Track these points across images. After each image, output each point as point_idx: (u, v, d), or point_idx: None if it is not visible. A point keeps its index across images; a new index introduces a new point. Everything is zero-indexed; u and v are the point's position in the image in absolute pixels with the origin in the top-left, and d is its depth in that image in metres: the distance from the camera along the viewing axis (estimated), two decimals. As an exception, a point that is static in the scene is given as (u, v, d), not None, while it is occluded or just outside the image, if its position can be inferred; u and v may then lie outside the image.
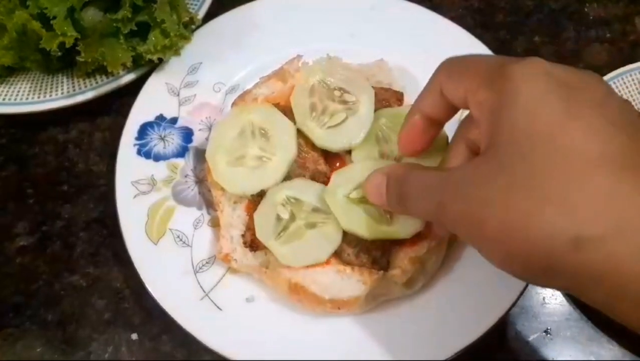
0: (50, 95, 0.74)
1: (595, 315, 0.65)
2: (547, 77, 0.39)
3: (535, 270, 0.38)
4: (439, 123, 0.53)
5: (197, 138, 0.71)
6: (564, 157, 0.37)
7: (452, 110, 0.50)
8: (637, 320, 0.37)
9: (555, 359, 0.63)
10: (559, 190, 0.36)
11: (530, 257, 0.37)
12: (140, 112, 0.71)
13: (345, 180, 0.59)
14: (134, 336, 0.64)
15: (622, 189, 0.36)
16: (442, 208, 0.42)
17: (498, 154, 0.39)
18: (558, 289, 0.39)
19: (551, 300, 0.66)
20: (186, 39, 0.74)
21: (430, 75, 0.75)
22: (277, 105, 0.66)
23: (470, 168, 0.42)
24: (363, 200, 0.59)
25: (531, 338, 0.64)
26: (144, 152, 0.69)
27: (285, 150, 0.63)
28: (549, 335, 0.64)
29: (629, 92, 0.75)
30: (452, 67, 0.48)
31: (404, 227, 0.58)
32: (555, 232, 0.36)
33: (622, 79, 0.75)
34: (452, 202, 0.41)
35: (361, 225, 0.58)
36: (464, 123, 0.51)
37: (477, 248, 0.42)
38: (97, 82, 0.74)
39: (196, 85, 0.74)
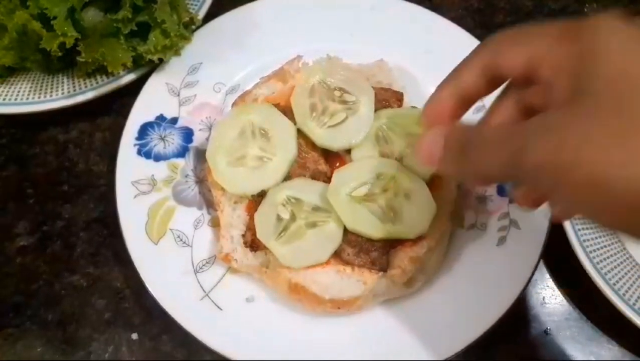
0: (51, 96, 0.74)
1: (595, 315, 0.65)
2: (628, 27, 0.39)
3: (632, 216, 0.36)
4: (471, 102, 0.50)
5: (198, 139, 0.71)
6: None
7: (494, 85, 0.48)
8: None
9: (555, 359, 0.63)
10: None
11: (631, 203, 0.35)
12: (141, 112, 0.71)
13: (347, 179, 0.59)
14: (134, 336, 0.64)
15: None
16: (520, 155, 0.39)
17: (592, 101, 0.37)
18: None
19: (551, 300, 0.66)
20: (186, 39, 0.74)
21: (430, 75, 0.75)
22: (277, 106, 0.66)
23: (556, 114, 0.39)
24: (366, 199, 0.59)
25: (531, 338, 0.64)
26: (145, 152, 0.69)
27: (285, 150, 0.63)
28: (548, 335, 0.64)
29: (629, 92, 0.75)
30: (505, 38, 0.46)
31: (409, 226, 0.58)
32: None
33: (622, 79, 0.75)
34: (534, 147, 0.38)
35: (366, 224, 0.58)
36: (512, 89, 0.48)
37: (562, 196, 0.39)
38: (97, 82, 0.74)
39: (196, 85, 0.74)
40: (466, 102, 0.50)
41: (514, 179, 0.43)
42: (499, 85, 0.48)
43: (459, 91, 0.49)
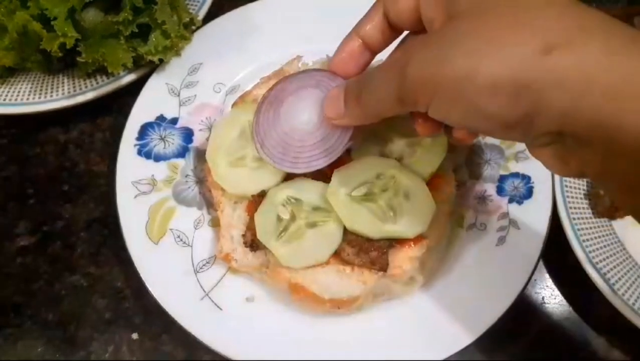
0: (51, 96, 0.74)
1: (595, 315, 0.65)
2: None
3: (502, 98, 0.38)
4: (374, 52, 0.54)
5: (198, 139, 0.71)
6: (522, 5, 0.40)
7: (392, 35, 0.52)
8: (598, 126, 0.37)
9: (554, 359, 0.63)
10: (524, 15, 0.39)
11: (498, 83, 0.38)
12: (141, 112, 0.71)
13: (346, 179, 0.59)
14: (135, 335, 0.64)
15: (575, 5, 0.39)
16: (402, 80, 0.42)
17: (459, 18, 0.42)
18: (524, 119, 0.39)
19: (550, 300, 0.66)
20: (186, 39, 0.74)
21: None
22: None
23: (430, 34, 0.44)
24: (366, 199, 0.59)
25: (531, 338, 0.64)
26: (145, 152, 0.69)
27: (285, 150, 0.63)
28: (548, 335, 0.64)
29: (629, 92, 0.75)
30: None
31: (409, 226, 0.58)
32: (521, 46, 0.37)
33: (622, 79, 0.75)
34: (413, 63, 0.41)
35: (366, 224, 0.58)
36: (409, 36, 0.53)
37: (439, 109, 0.42)
38: (97, 83, 0.74)
39: (196, 85, 0.74)
40: (370, 53, 0.54)
41: (407, 105, 0.44)
42: (395, 37, 0.53)
43: (361, 42, 0.53)
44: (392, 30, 0.51)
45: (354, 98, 0.50)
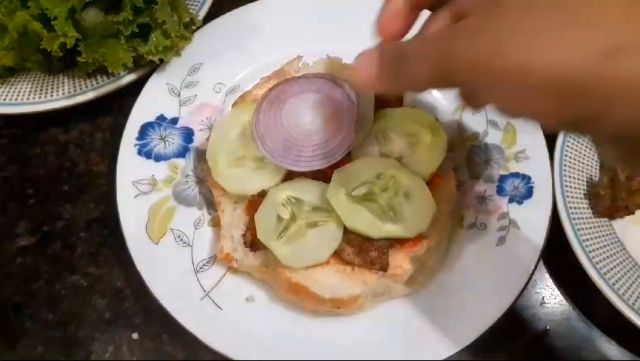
0: (51, 96, 0.74)
1: (595, 314, 0.65)
2: None
3: (559, 97, 0.36)
4: (419, 8, 0.52)
5: (198, 139, 0.71)
6: None
7: None
8: None
9: (554, 358, 0.63)
10: (584, 11, 0.36)
11: (556, 80, 0.35)
12: (141, 112, 0.71)
13: (346, 179, 0.60)
14: (135, 335, 0.64)
15: None
16: (448, 58, 0.40)
17: (512, 6, 0.39)
18: (580, 120, 0.37)
19: (550, 300, 0.66)
20: (187, 39, 0.74)
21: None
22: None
23: (479, 15, 0.41)
24: (366, 199, 0.59)
25: (531, 337, 0.64)
26: (145, 152, 0.69)
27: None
28: (548, 335, 0.64)
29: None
30: None
31: (409, 226, 0.58)
32: (584, 45, 0.35)
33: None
34: (461, 44, 0.39)
35: (365, 224, 0.58)
36: (448, 3, 0.50)
37: (489, 91, 0.40)
38: (97, 83, 0.74)
39: (197, 85, 0.74)
40: (416, 9, 0.52)
41: (445, 83, 0.43)
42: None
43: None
44: None
45: (390, 65, 0.47)
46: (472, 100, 0.51)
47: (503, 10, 0.39)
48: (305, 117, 0.62)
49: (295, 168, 0.60)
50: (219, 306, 0.61)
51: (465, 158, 0.69)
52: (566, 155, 0.68)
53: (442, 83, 0.44)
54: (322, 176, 0.63)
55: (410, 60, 0.44)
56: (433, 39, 0.44)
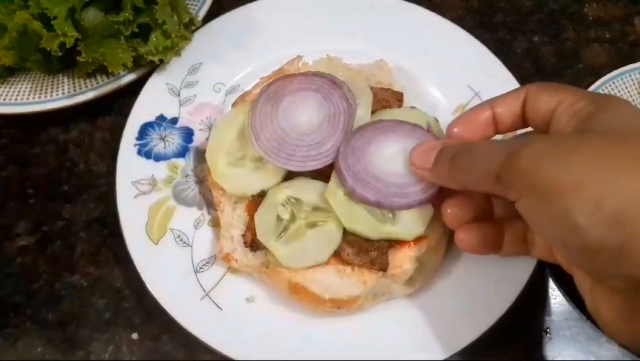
0: (51, 96, 0.74)
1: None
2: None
3: (599, 224, 0.37)
4: (497, 130, 0.55)
5: (198, 138, 0.71)
6: None
7: (519, 122, 0.53)
8: None
9: (554, 359, 0.63)
10: None
11: (600, 207, 0.37)
12: (141, 112, 0.71)
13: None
14: (135, 335, 0.64)
15: None
16: (511, 161, 0.42)
17: (583, 134, 0.43)
18: (607, 246, 0.37)
19: (551, 300, 0.66)
20: (187, 39, 0.74)
21: (429, 74, 0.75)
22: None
23: (560, 136, 0.45)
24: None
25: (531, 338, 0.64)
26: (145, 152, 0.69)
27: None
28: (548, 335, 0.64)
29: (628, 92, 0.75)
30: (547, 85, 0.51)
31: (407, 228, 0.58)
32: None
33: (622, 79, 0.75)
34: (525, 156, 0.41)
35: (364, 224, 0.58)
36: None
37: (529, 206, 0.42)
38: (97, 82, 0.74)
39: (196, 85, 0.74)
40: (493, 127, 0.54)
41: (500, 187, 0.44)
42: (520, 127, 0.54)
43: (492, 115, 0.53)
44: (523, 120, 0.52)
45: (447, 158, 0.50)
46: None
47: (578, 135, 0.43)
48: (301, 116, 0.62)
49: (288, 167, 0.60)
50: (219, 307, 0.61)
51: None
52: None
53: (498, 185, 0.44)
54: (322, 175, 0.63)
55: (472, 154, 0.48)
56: (502, 141, 0.47)
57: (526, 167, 0.41)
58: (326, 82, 0.63)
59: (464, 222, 0.54)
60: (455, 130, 0.55)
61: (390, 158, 0.58)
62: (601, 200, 0.37)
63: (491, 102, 0.54)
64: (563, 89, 0.50)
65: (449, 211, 0.54)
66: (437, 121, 0.65)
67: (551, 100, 0.49)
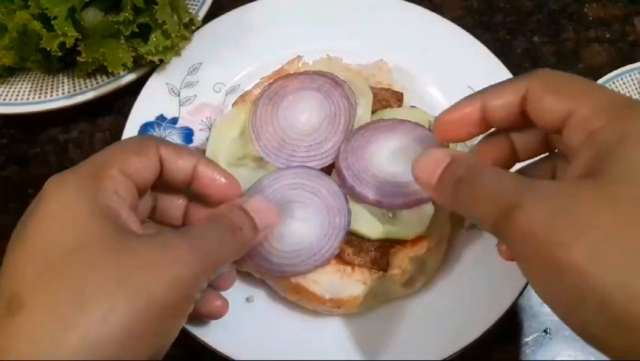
0: (51, 96, 0.74)
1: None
2: None
3: (603, 314, 0.33)
4: (488, 126, 0.47)
5: (198, 139, 0.71)
6: None
7: (520, 121, 0.45)
8: None
9: (554, 359, 0.63)
10: None
11: (608, 299, 0.33)
12: (141, 112, 0.71)
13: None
14: (135, 335, 0.64)
15: None
16: (513, 211, 0.36)
17: (607, 186, 0.36)
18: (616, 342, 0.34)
19: (551, 300, 0.66)
20: (186, 39, 0.74)
21: (429, 74, 0.75)
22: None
23: (566, 184, 0.38)
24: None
25: (530, 337, 0.64)
26: (145, 152, 0.69)
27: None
28: (548, 335, 0.64)
29: (629, 92, 0.75)
30: (555, 81, 0.43)
31: (407, 228, 0.58)
32: None
33: (622, 79, 0.75)
34: (533, 208, 0.36)
35: (364, 224, 0.58)
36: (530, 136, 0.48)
37: (525, 269, 0.38)
38: (97, 82, 0.74)
39: (196, 85, 0.74)
40: (485, 124, 0.47)
41: (495, 234, 0.39)
42: (522, 125, 0.46)
43: (485, 108, 0.46)
44: (522, 117, 0.44)
45: (453, 180, 0.42)
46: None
47: (594, 197, 0.35)
48: (302, 115, 0.62)
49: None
50: (219, 306, 0.61)
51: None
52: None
53: (492, 228, 0.39)
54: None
55: (473, 188, 0.41)
56: (503, 181, 0.39)
57: (520, 232, 0.36)
58: (327, 81, 0.63)
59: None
60: (440, 132, 0.48)
61: (390, 157, 0.58)
62: (605, 294, 0.33)
63: (482, 94, 0.46)
64: (575, 92, 0.41)
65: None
66: (437, 121, 0.65)
67: (559, 107, 0.41)
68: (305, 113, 0.62)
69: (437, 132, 0.49)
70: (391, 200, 0.56)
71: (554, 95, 0.42)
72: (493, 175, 0.40)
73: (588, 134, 0.39)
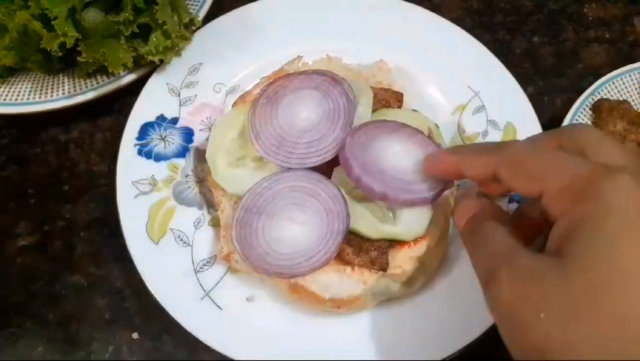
0: (51, 96, 0.74)
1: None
2: (637, 206, 0.39)
3: None
4: (458, 178, 0.55)
5: (198, 139, 0.71)
6: None
7: (497, 188, 0.51)
8: None
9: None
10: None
11: None
12: (141, 112, 0.72)
13: (347, 178, 0.59)
14: (135, 335, 0.64)
15: None
16: (491, 279, 0.42)
17: (566, 269, 0.39)
18: None
19: (550, 300, 0.66)
20: (187, 39, 0.74)
21: (429, 75, 0.75)
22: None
23: (538, 261, 0.41)
24: (366, 198, 0.59)
25: (530, 337, 0.64)
26: (145, 152, 0.69)
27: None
28: (548, 335, 0.64)
29: (628, 92, 0.75)
30: (522, 164, 0.46)
31: (407, 228, 0.58)
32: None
33: (621, 79, 0.76)
34: (505, 288, 0.41)
35: (365, 224, 0.58)
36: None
37: (506, 332, 0.43)
38: (97, 83, 0.74)
39: (197, 85, 0.74)
40: (457, 177, 0.55)
41: (482, 288, 0.44)
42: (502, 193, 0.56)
43: (464, 172, 0.51)
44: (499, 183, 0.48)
45: (471, 230, 0.49)
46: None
47: (560, 274, 0.39)
48: (300, 113, 0.62)
49: (287, 166, 0.60)
50: (219, 306, 0.61)
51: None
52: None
53: (482, 281, 0.45)
54: (323, 174, 0.63)
55: (477, 246, 0.47)
56: (493, 249, 0.45)
57: (505, 307, 0.41)
58: (326, 79, 0.63)
59: None
60: (427, 169, 0.56)
61: (395, 155, 0.58)
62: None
63: (460, 157, 0.51)
64: (542, 173, 0.44)
65: None
66: (437, 127, 0.65)
67: (529, 189, 0.44)
68: (304, 111, 0.62)
69: (426, 167, 0.56)
70: (396, 195, 0.56)
71: (520, 180, 0.45)
72: (492, 236, 0.46)
73: (559, 212, 0.42)
